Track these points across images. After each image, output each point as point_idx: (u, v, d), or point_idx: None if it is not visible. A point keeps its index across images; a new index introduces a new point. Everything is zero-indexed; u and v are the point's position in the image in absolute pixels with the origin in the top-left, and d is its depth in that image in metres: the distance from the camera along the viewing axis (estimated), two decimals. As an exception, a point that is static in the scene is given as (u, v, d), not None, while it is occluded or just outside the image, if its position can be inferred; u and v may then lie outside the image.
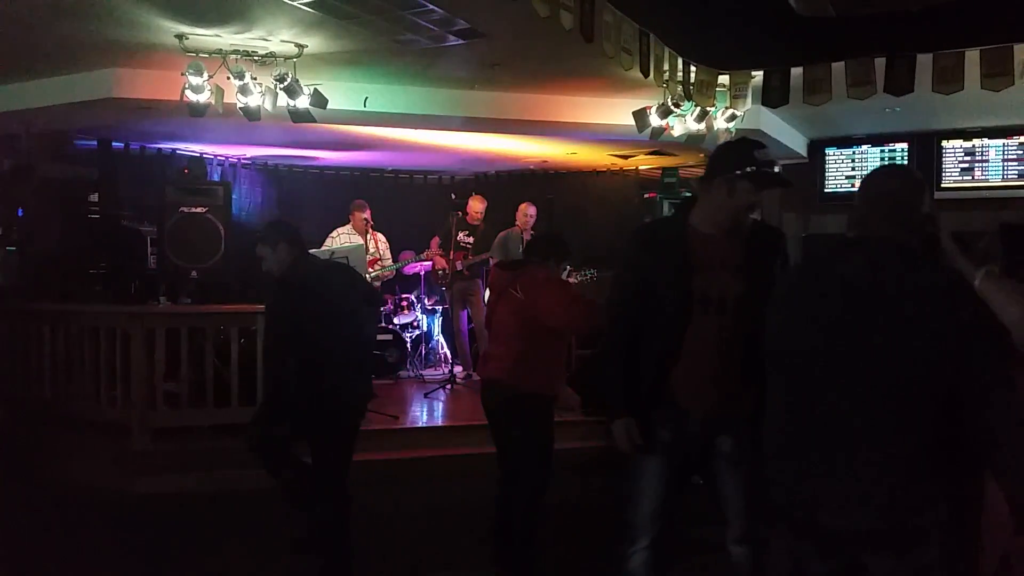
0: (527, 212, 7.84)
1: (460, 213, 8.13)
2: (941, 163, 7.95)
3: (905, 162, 8.12)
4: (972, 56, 4.25)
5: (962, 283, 2.04)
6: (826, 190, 8.55)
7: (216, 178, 9.01)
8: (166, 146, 8.72)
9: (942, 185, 7.92)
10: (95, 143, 8.07)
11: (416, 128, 7.27)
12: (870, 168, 8.26)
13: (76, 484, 5.28)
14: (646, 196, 8.49)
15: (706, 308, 2.75)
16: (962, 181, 7.91)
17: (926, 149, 8.04)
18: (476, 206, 8.16)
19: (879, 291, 1.99)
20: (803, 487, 2.06)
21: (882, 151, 8.26)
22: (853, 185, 8.39)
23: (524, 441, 4.06)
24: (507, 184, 10.35)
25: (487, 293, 7.77)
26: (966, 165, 7.92)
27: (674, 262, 2.77)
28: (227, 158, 9.44)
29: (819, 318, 2.05)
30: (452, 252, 7.97)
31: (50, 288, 6.58)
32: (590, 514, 5.57)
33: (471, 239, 8.11)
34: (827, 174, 8.53)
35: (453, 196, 8.28)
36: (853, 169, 8.41)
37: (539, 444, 4.07)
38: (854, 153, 8.38)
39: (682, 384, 2.82)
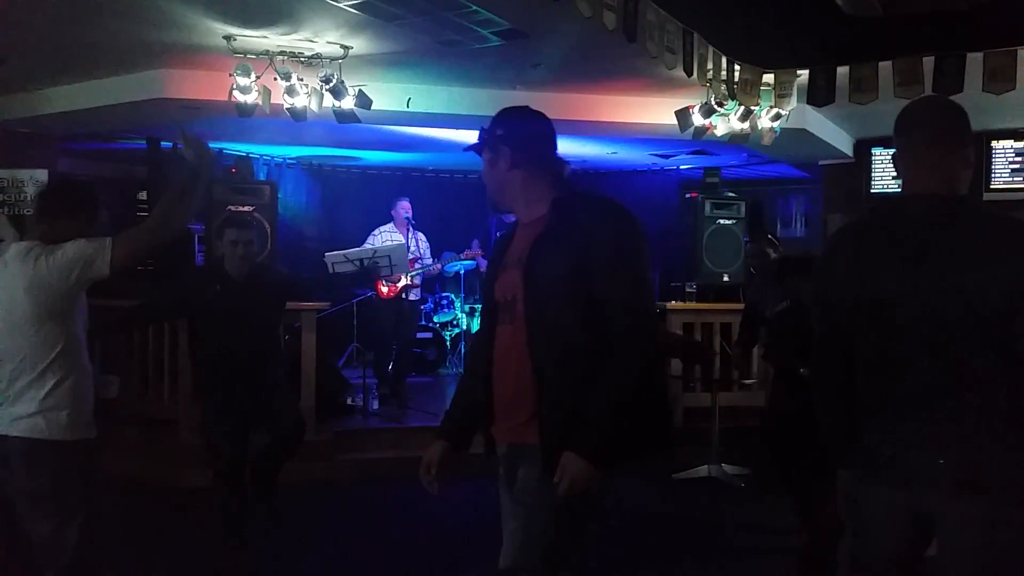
0: None
1: (499, 214, 8.15)
2: (991, 164, 7.78)
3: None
4: (1024, 54, 4.18)
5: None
6: (872, 190, 8.41)
7: (262, 177, 9.15)
8: (214, 145, 8.85)
9: (991, 187, 7.75)
10: (144, 142, 8.24)
11: (458, 128, 7.31)
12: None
13: (123, 477, 5.39)
14: (688, 196, 8.43)
15: None
16: (1012, 182, 7.73)
17: (975, 150, 7.86)
18: None
19: (942, 241, 2.02)
20: (890, 436, 2.06)
21: (930, 151, 8.11)
22: (900, 186, 8.25)
23: None
24: (548, 184, 10.36)
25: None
26: (1017, 166, 7.74)
27: None
28: (273, 158, 9.59)
29: (890, 272, 2.05)
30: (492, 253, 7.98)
31: (99, 284, 6.72)
32: (634, 511, 5.56)
33: None
34: (873, 174, 8.39)
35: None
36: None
37: None
38: (900, 153, 8.25)
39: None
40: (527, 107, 2.57)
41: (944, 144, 2.18)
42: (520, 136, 2.48)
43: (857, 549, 2.21)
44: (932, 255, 2.01)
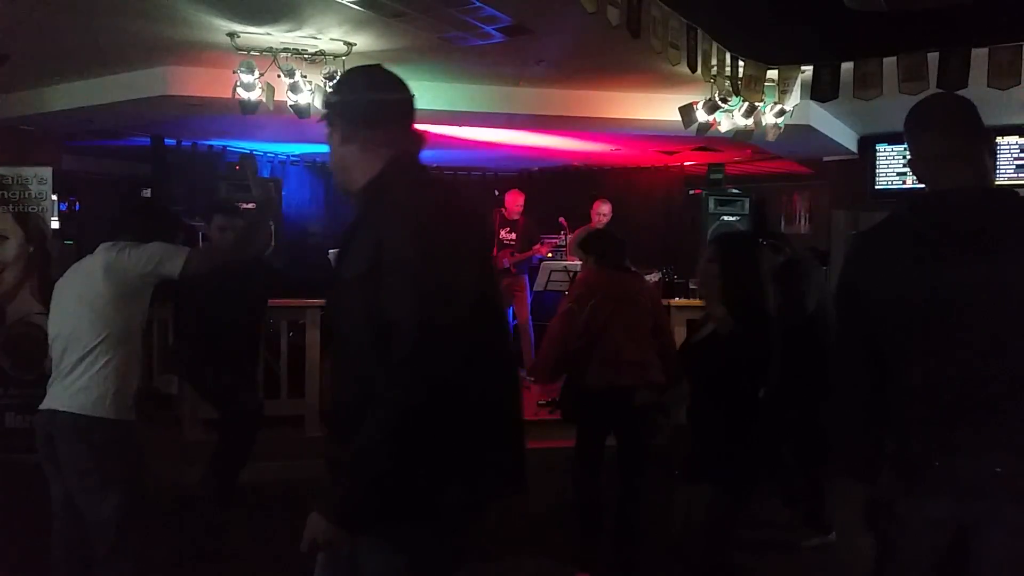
0: (600, 211, 7.76)
1: (501, 210, 8.15)
2: (995, 160, 7.75)
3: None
4: (1030, 49, 4.16)
5: None
6: (876, 187, 8.40)
7: (266, 175, 9.16)
8: (217, 143, 8.88)
9: (996, 182, 7.72)
10: (148, 140, 8.26)
11: (461, 125, 7.31)
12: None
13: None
14: (691, 193, 8.44)
15: None
16: (1017, 178, 7.72)
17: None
18: (514, 200, 8.17)
19: (990, 235, 1.94)
20: (939, 445, 1.94)
21: (934, 147, 8.09)
22: (904, 182, 8.24)
23: (648, 427, 4.45)
24: (550, 181, 10.36)
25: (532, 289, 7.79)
26: (1022, 162, 7.73)
27: None
28: (276, 155, 9.59)
29: (936, 272, 1.94)
30: (497, 250, 8.00)
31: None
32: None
33: (513, 235, 8.13)
34: (878, 170, 8.38)
35: (496, 192, 8.31)
36: (904, 165, 8.25)
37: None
38: (905, 149, 8.20)
39: None
40: (375, 67, 2.13)
41: (967, 136, 2.11)
42: (355, 104, 2.01)
43: (889, 563, 2.08)
44: (981, 250, 1.91)
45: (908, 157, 2.22)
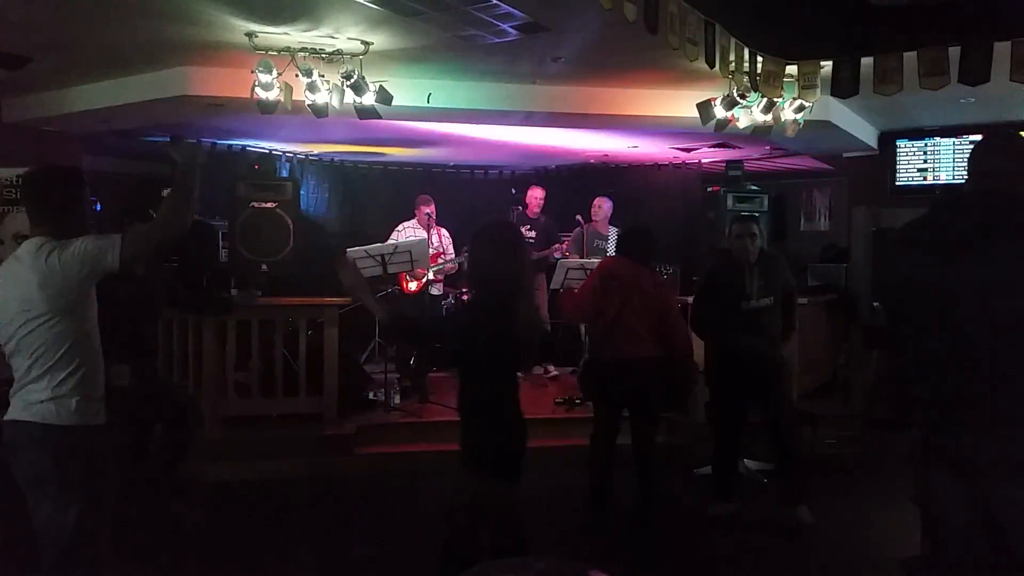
0: (600, 206, 7.79)
1: (520, 208, 8.14)
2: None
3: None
4: (1053, 43, 4.10)
5: None
6: (897, 183, 8.33)
7: (285, 174, 9.21)
8: (236, 143, 8.94)
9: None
10: (168, 139, 8.30)
11: (478, 123, 7.31)
12: (943, 161, 8.09)
13: (145, 472, 5.43)
14: (710, 190, 8.39)
15: None
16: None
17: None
18: (534, 195, 8.16)
19: (1012, 236, 2.13)
20: (956, 420, 2.12)
21: (955, 143, 8.01)
22: (925, 178, 8.17)
23: (657, 398, 5.15)
24: (568, 178, 10.34)
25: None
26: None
27: None
28: (295, 154, 9.64)
29: (959, 265, 2.12)
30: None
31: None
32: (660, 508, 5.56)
33: (533, 233, 8.12)
34: (898, 167, 8.30)
35: (513, 191, 8.31)
36: (925, 162, 8.18)
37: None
38: (926, 145, 8.15)
39: None
40: None
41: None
42: None
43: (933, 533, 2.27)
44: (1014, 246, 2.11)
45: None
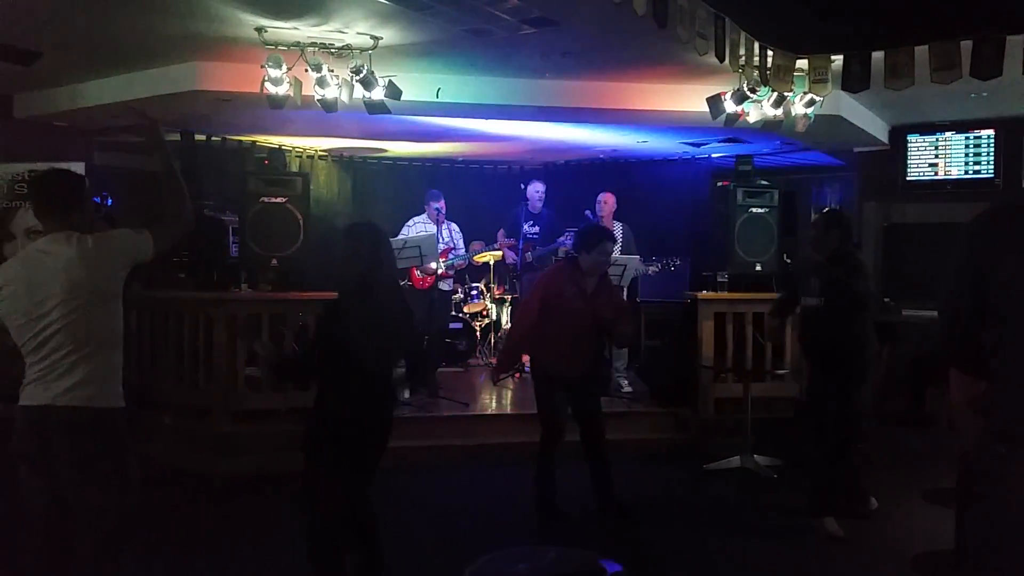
0: (605, 201, 7.77)
1: (525, 203, 8.14)
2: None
3: (991, 150, 7.83)
4: (1066, 36, 4.07)
5: None
6: (908, 178, 8.28)
7: (295, 169, 9.23)
8: (246, 138, 8.96)
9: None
10: (178, 135, 8.35)
11: (487, 118, 7.31)
12: (953, 156, 8.04)
13: (159, 465, 5.47)
14: (720, 185, 8.36)
15: None
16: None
17: (1013, 136, 7.73)
18: (533, 188, 8.14)
19: None
20: None
21: (967, 138, 7.96)
22: (936, 173, 8.12)
23: None
24: (576, 173, 10.33)
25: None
26: (1060, 152, 7.59)
27: None
28: (305, 150, 9.66)
29: None
30: (522, 243, 8.01)
31: (136, 275, 6.84)
32: (666, 502, 5.55)
33: (536, 228, 8.12)
34: (909, 161, 8.26)
35: (523, 186, 8.30)
36: (936, 156, 8.13)
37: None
38: (937, 140, 8.10)
39: None
40: None
41: None
42: None
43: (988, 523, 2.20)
44: None
45: None
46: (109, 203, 7.43)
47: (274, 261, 6.56)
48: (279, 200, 6.66)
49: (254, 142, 9.07)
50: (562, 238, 7.94)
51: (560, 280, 4.99)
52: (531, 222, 8.12)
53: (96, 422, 2.89)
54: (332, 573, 3.49)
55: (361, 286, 3.49)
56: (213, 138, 8.71)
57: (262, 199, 6.63)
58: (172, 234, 3.14)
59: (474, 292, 9.14)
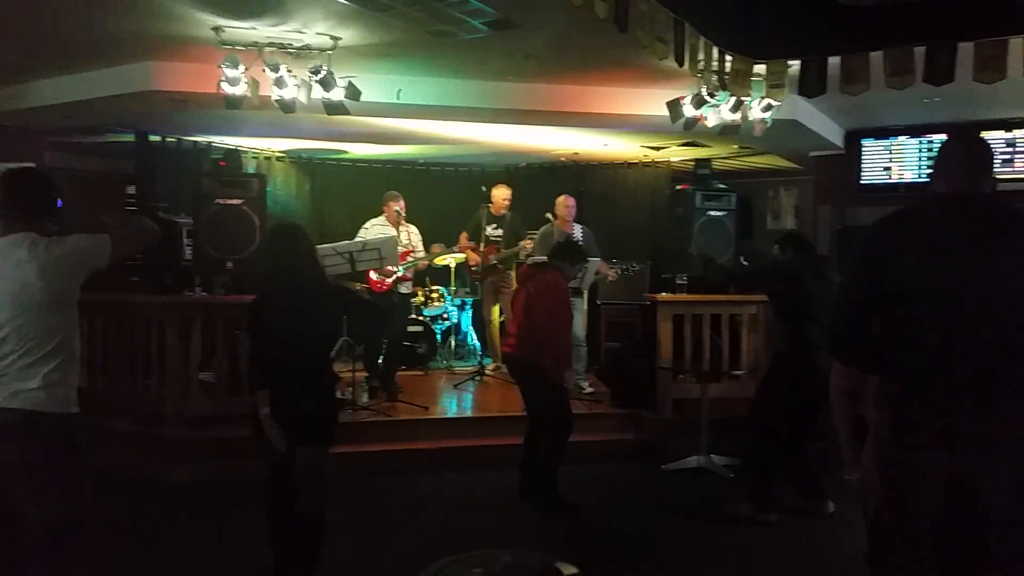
0: (567, 204, 7.79)
1: (488, 205, 8.12)
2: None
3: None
4: (1016, 44, 4.16)
5: None
6: (862, 182, 8.42)
7: (251, 170, 9.10)
8: (202, 139, 8.81)
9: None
10: (132, 136, 8.19)
11: (448, 120, 7.28)
12: (907, 160, 8.20)
13: (110, 472, 5.35)
14: (679, 188, 8.43)
15: None
16: (1002, 172, 7.76)
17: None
18: (500, 194, 8.13)
19: (1001, 236, 2.25)
20: (943, 425, 2.19)
21: (920, 142, 8.11)
22: (890, 177, 8.27)
23: (530, 396, 5.42)
24: (538, 176, 10.34)
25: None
26: (1007, 156, 7.76)
27: None
28: (262, 151, 9.53)
29: (948, 263, 2.22)
30: (484, 246, 7.98)
31: (87, 278, 6.69)
32: (624, 502, 5.58)
33: (500, 231, 8.11)
34: (863, 165, 8.40)
35: (484, 188, 8.28)
36: (890, 160, 8.27)
37: (542, 398, 5.31)
38: (891, 144, 8.25)
39: None
40: None
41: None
42: None
43: (892, 509, 2.31)
44: (983, 244, 2.23)
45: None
46: (59, 205, 7.24)
47: (229, 264, 6.46)
48: (235, 202, 6.56)
49: (210, 143, 8.93)
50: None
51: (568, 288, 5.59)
52: (494, 224, 8.11)
53: (48, 427, 2.84)
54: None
55: (280, 285, 3.72)
56: (168, 139, 8.56)
57: (217, 201, 6.53)
58: (135, 242, 3.23)
59: (435, 295, 9.07)
